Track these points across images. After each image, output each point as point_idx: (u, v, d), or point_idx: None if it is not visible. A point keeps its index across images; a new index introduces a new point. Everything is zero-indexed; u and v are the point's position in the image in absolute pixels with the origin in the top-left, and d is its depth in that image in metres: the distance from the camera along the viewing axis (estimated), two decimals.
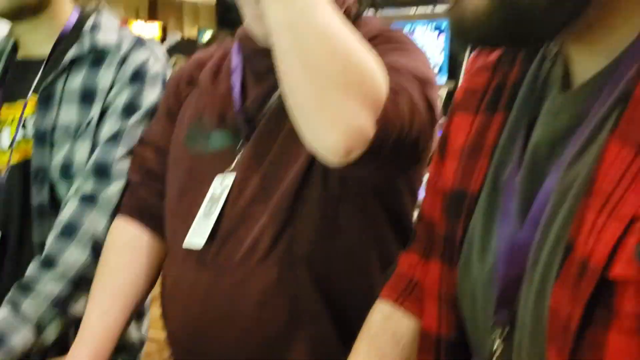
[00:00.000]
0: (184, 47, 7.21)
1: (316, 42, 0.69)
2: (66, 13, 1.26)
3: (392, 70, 0.77)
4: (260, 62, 0.99)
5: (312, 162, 0.88)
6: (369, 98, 0.71)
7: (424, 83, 0.82)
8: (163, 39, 7.98)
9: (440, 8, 3.22)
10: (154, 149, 1.11)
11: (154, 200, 1.09)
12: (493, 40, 0.54)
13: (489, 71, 0.67)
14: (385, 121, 0.72)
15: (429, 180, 0.77)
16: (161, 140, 1.10)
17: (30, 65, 1.25)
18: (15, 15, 1.18)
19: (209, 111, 1.01)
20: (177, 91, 1.10)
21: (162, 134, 1.10)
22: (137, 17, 20.22)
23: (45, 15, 1.22)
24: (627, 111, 0.47)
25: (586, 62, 0.54)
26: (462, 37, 0.52)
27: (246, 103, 0.99)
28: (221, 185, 0.96)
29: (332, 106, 0.69)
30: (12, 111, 1.23)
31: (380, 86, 0.73)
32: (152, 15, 21.00)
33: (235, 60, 1.03)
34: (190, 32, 17.97)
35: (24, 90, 1.22)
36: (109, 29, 1.24)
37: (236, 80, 1.01)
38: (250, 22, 0.97)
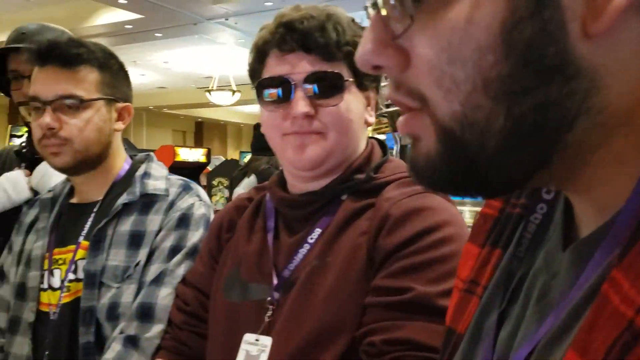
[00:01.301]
0: (226, 169, 7.55)
1: None
2: (119, 163, 1.39)
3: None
4: (289, 212, 1.06)
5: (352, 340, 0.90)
6: None
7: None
8: (207, 163, 8.34)
9: None
10: (196, 291, 1.15)
11: (193, 343, 1.13)
12: (446, 187, 0.47)
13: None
14: None
15: None
16: (202, 283, 1.15)
17: (83, 209, 1.35)
18: (76, 170, 1.31)
19: (245, 263, 1.06)
20: (219, 236, 1.16)
21: (203, 277, 1.15)
22: (184, 141, 21.33)
23: (102, 167, 1.34)
24: (586, 318, 0.39)
25: (587, 212, 0.47)
26: (417, 181, 0.47)
27: (278, 257, 1.03)
28: (257, 346, 0.98)
29: None
30: (63, 254, 1.32)
31: None
32: (198, 139, 22.14)
33: (269, 210, 1.10)
34: (233, 154, 18.71)
35: (76, 235, 1.32)
36: (158, 177, 1.36)
37: (269, 233, 1.07)
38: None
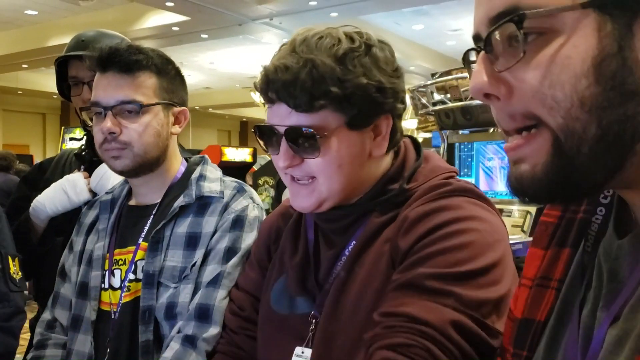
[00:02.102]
0: (272, 169, 7.62)
1: None
2: (176, 166, 1.41)
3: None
4: (326, 225, 1.07)
5: None
6: None
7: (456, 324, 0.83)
8: (253, 163, 8.42)
9: None
10: (251, 297, 1.17)
11: (249, 347, 1.14)
12: (544, 198, 0.58)
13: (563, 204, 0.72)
14: None
15: (509, 310, 0.80)
16: (256, 291, 1.17)
17: (141, 211, 1.39)
18: (136, 173, 1.34)
19: (290, 276, 1.07)
20: (268, 246, 1.18)
21: (256, 285, 1.17)
22: (229, 141, 21.62)
23: (159, 170, 1.37)
24: None
25: None
26: (519, 196, 0.58)
27: (320, 270, 1.05)
28: (302, 358, 1.00)
29: None
30: (123, 255, 1.35)
31: None
32: (242, 138, 22.41)
33: (309, 221, 1.11)
34: None
35: (135, 236, 1.35)
36: (213, 180, 1.38)
37: (310, 245, 1.08)
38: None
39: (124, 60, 1.28)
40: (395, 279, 0.90)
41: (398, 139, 1.04)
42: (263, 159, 10.33)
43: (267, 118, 0.99)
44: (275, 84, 0.93)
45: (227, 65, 14.10)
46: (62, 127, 9.83)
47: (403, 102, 1.02)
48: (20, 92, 15.40)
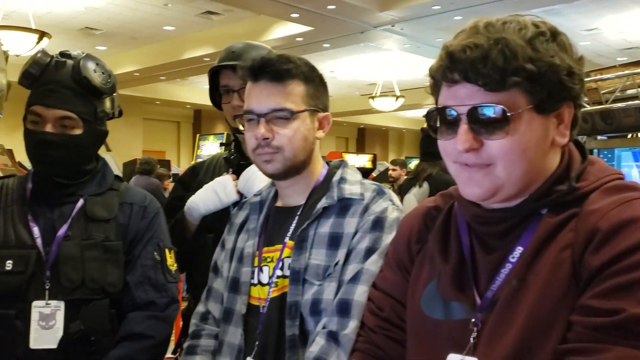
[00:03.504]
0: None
1: None
2: (318, 169, 1.48)
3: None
4: (483, 228, 1.03)
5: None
6: None
7: None
8: (373, 169, 8.48)
9: None
10: (390, 298, 1.17)
11: (388, 347, 1.15)
12: None
13: None
14: None
15: None
16: (395, 292, 1.17)
17: (286, 212, 1.46)
18: (285, 176, 1.42)
19: (443, 280, 1.05)
20: (409, 248, 1.17)
21: (395, 286, 1.17)
22: (347, 147, 21.85)
23: (305, 173, 1.44)
24: None
25: None
26: None
27: (478, 276, 1.01)
28: None
29: None
30: (271, 253, 1.43)
31: None
32: (360, 145, 22.58)
33: (461, 224, 1.08)
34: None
35: (282, 235, 1.43)
36: (353, 182, 1.43)
37: (465, 250, 1.05)
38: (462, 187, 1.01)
39: (276, 69, 1.37)
40: (590, 306, 0.85)
41: (576, 132, 1.00)
42: (382, 165, 10.36)
43: (442, 101, 0.98)
44: (463, 63, 0.91)
45: (347, 73, 14.29)
46: (197, 135, 10.49)
47: (584, 92, 0.98)
48: (158, 102, 16.60)
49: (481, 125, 0.92)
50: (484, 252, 1.02)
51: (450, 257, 1.06)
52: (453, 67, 0.93)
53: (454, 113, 0.95)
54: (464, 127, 0.93)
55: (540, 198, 0.97)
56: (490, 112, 0.91)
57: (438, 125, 0.99)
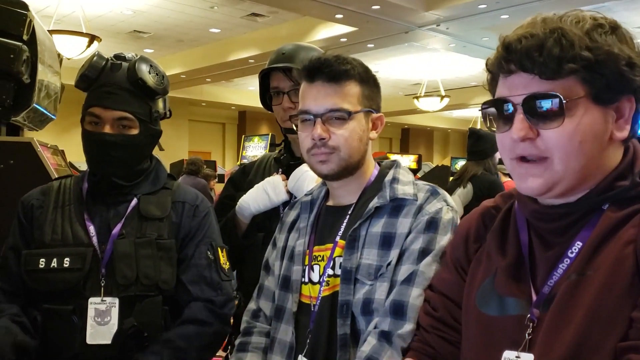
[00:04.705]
0: (436, 176, 7.53)
1: None
2: (370, 169, 1.47)
3: None
4: (542, 224, 1.02)
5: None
6: None
7: None
8: (418, 169, 8.41)
9: None
10: (444, 298, 1.17)
11: (440, 347, 1.15)
12: None
13: None
14: None
15: None
16: (451, 292, 1.17)
17: (337, 212, 1.46)
18: (339, 176, 1.42)
19: (500, 276, 1.04)
20: (466, 247, 1.17)
21: (451, 286, 1.17)
22: (390, 148, 21.71)
23: (357, 173, 1.44)
24: None
25: None
26: None
27: (536, 272, 1.00)
28: None
29: None
30: (322, 251, 1.44)
31: None
32: (404, 145, 22.41)
33: (520, 221, 1.07)
34: (438, 160, 18.53)
35: (333, 234, 1.43)
36: (405, 182, 1.42)
37: (524, 246, 1.04)
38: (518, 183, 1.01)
39: (333, 70, 1.37)
40: None
41: (637, 128, 0.98)
42: (427, 165, 10.25)
43: (498, 92, 0.99)
44: (518, 53, 0.92)
45: (391, 73, 14.22)
46: (243, 136, 10.62)
47: None
48: (203, 104, 16.89)
49: (537, 114, 0.92)
50: (543, 249, 1.01)
51: (507, 253, 1.05)
52: (509, 57, 0.94)
53: (509, 104, 0.95)
54: (519, 116, 0.94)
55: (602, 193, 0.95)
56: (545, 100, 0.91)
57: (494, 118, 0.99)
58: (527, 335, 0.96)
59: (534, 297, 0.98)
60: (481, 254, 1.12)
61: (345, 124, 1.37)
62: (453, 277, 1.17)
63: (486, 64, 1.01)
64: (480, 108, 1.02)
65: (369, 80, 1.43)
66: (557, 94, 0.90)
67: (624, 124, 0.95)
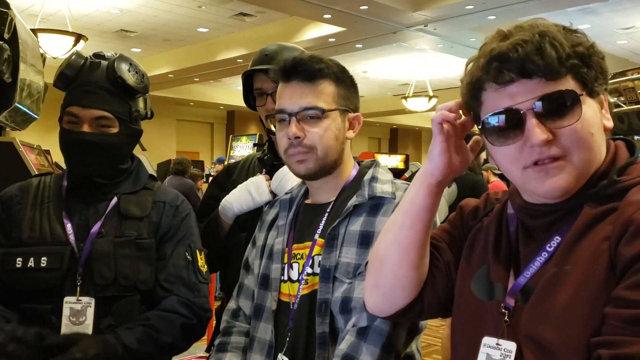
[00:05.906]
0: None
1: None
2: (349, 168, 1.49)
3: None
4: (529, 220, 1.04)
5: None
6: None
7: None
8: (405, 170, 8.45)
9: None
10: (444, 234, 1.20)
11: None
12: None
13: None
14: None
15: None
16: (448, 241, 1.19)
17: (316, 210, 1.47)
18: (316, 176, 1.43)
19: (493, 266, 1.07)
20: (463, 221, 1.19)
21: (449, 236, 1.20)
22: (379, 148, 21.78)
23: (336, 172, 1.45)
24: None
25: None
26: None
27: (517, 263, 1.03)
28: (499, 350, 0.98)
29: None
30: (301, 249, 1.44)
31: None
32: (392, 145, 22.48)
33: (510, 216, 1.10)
34: None
35: (311, 233, 1.43)
36: (384, 181, 1.43)
37: (513, 239, 1.07)
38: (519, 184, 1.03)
39: (308, 69, 1.38)
40: (623, 297, 0.85)
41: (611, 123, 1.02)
42: (414, 165, 10.29)
43: (491, 106, 0.97)
44: (517, 60, 0.92)
45: (379, 73, 14.26)
46: (230, 136, 10.60)
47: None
48: (191, 104, 16.83)
49: (552, 114, 0.93)
50: (526, 241, 1.04)
51: (501, 246, 1.08)
52: (507, 66, 0.93)
53: (517, 111, 0.94)
54: (532, 121, 0.93)
55: (586, 191, 0.97)
56: (560, 98, 0.93)
57: (498, 133, 0.97)
58: (503, 322, 0.99)
59: (510, 286, 1.01)
60: (477, 234, 1.14)
61: (319, 122, 1.39)
62: (452, 230, 1.20)
63: (468, 81, 1.00)
64: (481, 124, 1.00)
65: (345, 80, 1.44)
66: (574, 90, 0.93)
67: (607, 114, 1.00)
